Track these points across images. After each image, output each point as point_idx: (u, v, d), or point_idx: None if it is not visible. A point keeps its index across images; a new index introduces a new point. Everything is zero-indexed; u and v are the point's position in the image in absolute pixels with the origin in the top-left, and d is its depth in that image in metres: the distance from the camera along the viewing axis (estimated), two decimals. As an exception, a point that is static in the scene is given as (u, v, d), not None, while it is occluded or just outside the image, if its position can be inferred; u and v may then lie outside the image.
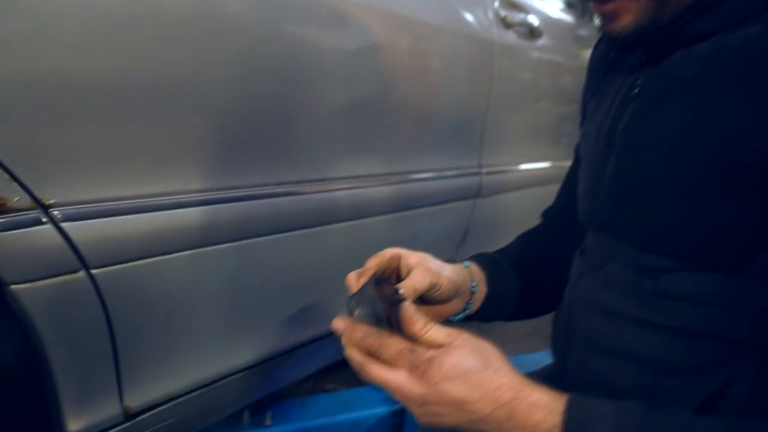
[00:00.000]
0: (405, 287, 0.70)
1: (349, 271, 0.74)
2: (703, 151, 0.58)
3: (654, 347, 0.65)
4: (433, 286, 0.73)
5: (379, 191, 1.38)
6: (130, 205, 0.91)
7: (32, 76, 0.76)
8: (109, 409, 0.98)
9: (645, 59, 0.70)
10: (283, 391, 1.49)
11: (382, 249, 0.75)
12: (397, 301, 0.64)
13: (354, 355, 0.63)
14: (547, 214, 1.01)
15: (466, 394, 0.58)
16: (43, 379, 0.89)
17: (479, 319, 0.87)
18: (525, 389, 0.59)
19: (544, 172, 2.14)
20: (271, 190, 1.12)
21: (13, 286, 0.79)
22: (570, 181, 0.94)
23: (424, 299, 0.75)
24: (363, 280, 0.70)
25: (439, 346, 0.61)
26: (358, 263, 0.75)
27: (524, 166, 2.04)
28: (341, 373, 1.76)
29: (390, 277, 0.75)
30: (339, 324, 0.65)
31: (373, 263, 0.73)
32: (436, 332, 0.61)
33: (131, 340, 0.97)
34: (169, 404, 1.08)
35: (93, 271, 0.88)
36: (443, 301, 0.77)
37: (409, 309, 0.63)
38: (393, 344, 0.60)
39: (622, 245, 0.68)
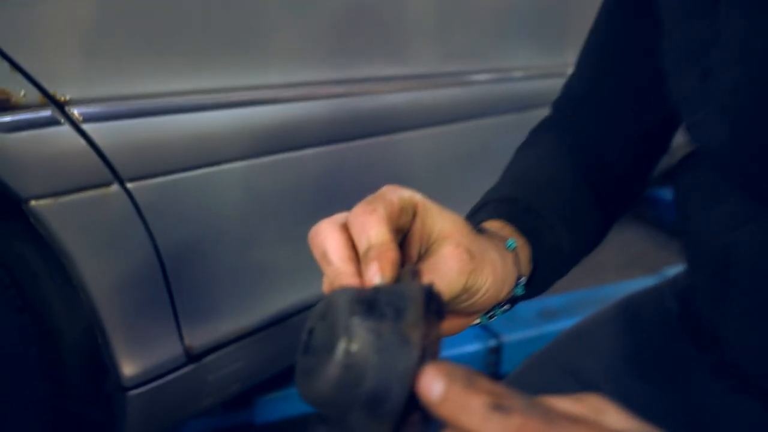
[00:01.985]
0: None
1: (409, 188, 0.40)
2: None
3: None
4: (465, 292, 0.39)
5: (441, 94, 1.19)
6: (166, 104, 0.76)
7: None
8: (169, 350, 0.85)
9: None
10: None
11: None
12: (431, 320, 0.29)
13: None
14: (572, 105, 0.70)
15: None
16: (86, 318, 0.77)
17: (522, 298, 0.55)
18: None
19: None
20: (327, 90, 0.95)
21: (32, 202, 0.66)
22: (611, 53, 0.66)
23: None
24: (373, 269, 0.33)
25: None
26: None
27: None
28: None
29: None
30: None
31: (380, 215, 0.35)
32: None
33: (183, 267, 0.83)
34: (234, 345, 0.94)
35: (128, 185, 0.74)
36: (468, 313, 0.44)
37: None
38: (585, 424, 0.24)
39: None
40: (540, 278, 0.55)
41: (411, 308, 0.28)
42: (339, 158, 0.99)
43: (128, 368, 0.81)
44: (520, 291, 0.49)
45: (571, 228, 0.60)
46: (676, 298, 0.77)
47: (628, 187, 0.69)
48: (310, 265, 0.97)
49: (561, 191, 0.62)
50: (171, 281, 0.82)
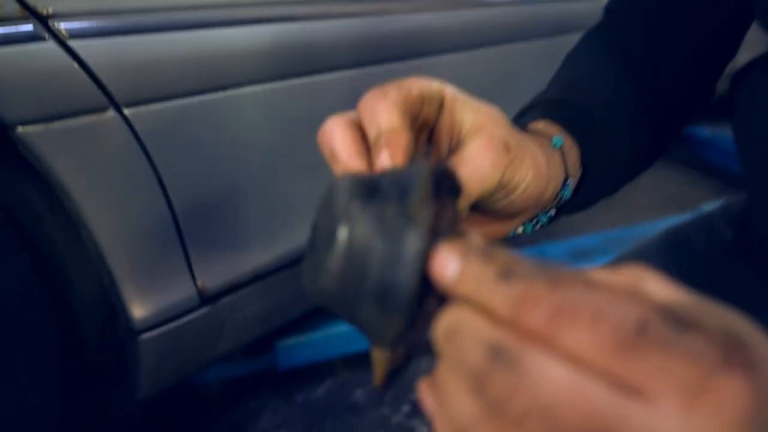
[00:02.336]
0: (464, 179, 0.32)
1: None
2: None
3: None
4: (502, 189, 0.35)
5: (468, 15, 1.10)
6: (166, 20, 0.68)
7: None
8: (181, 291, 0.80)
9: None
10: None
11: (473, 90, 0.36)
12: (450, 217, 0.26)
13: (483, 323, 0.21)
14: (629, 2, 0.62)
15: None
16: (90, 257, 0.72)
17: (564, 214, 0.49)
18: None
19: None
20: (345, 8, 0.87)
21: (20, 128, 0.60)
22: None
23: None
24: (382, 158, 0.30)
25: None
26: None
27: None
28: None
29: (418, 138, 0.35)
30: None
31: (392, 100, 0.31)
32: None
33: (192, 202, 0.77)
34: (252, 286, 0.89)
35: (126, 111, 0.67)
36: (508, 214, 0.38)
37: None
38: (618, 297, 0.19)
39: None
40: (589, 186, 0.49)
41: (417, 186, 0.24)
42: (359, 83, 0.91)
43: (138, 310, 0.76)
44: (567, 194, 0.44)
45: (626, 134, 0.53)
46: (730, 225, 0.72)
47: (690, 97, 0.62)
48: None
49: (616, 93, 0.55)
50: (179, 217, 0.76)
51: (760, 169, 0.55)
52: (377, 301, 0.24)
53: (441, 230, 0.24)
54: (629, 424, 0.17)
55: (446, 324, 0.21)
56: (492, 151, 0.33)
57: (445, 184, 0.27)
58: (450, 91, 0.35)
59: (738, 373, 0.17)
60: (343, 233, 0.25)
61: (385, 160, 0.29)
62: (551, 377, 0.18)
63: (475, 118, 0.35)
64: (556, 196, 0.43)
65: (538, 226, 0.43)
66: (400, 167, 0.28)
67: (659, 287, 0.21)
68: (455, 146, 0.35)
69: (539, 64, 1.27)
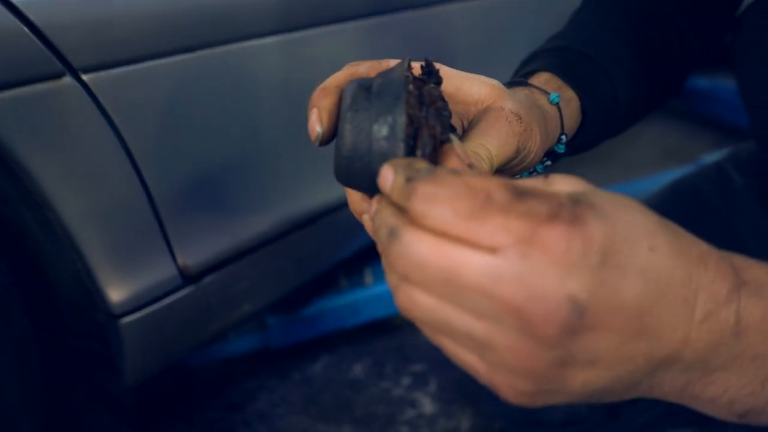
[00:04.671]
0: (479, 148, 0.35)
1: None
2: None
3: None
4: (517, 155, 0.38)
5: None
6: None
7: None
8: (161, 271, 0.75)
9: None
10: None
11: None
12: (440, 135, 0.32)
13: (387, 207, 0.28)
14: None
15: (658, 288, 0.25)
16: (58, 238, 0.67)
17: (568, 154, 0.52)
18: (735, 257, 0.29)
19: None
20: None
21: (-36, 99, 0.54)
22: None
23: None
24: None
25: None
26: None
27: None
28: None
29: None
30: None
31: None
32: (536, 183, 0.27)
33: (166, 176, 0.71)
34: (238, 263, 0.84)
35: (84, 77, 0.61)
36: (515, 171, 0.42)
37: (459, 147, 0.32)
38: (473, 180, 0.25)
39: None
40: (590, 128, 0.51)
41: (398, 76, 0.32)
42: (347, 38, 0.85)
43: (115, 293, 0.71)
44: (560, 149, 0.48)
45: (628, 79, 0.55)
46: (739, 171, 0.73)
47: (696, 42, 0.62)
48: (318, 168, 0.86)
49: (620, 33, 0.57)
50: (153, 192, 0.70)
51: (763, 114, 0.55)
52: (383, 138, 0.31)
53: (425, 104, 0.32)
54: (480, 272, 0.23)
55: (375, 213, 0.28)
56: (506, 121, 0.37)
57: (426, 71, 0.36)
58: (451, 71, 0.38)
59: (559, 226, 0.23)
60: (347, 123, 0.33)
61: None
62: (421, 244, 0.25)
63: (480, 91, 0.38)
64: (551, 150, 0.47)
65: (534, 174, 0.45)
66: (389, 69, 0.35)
67: (565, 182, 0.27)
68: (469, 123, 0.39)
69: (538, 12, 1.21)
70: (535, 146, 0.40)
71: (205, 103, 0.73)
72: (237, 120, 0.77)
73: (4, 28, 0.54)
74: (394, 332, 1.24)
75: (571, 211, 0.23)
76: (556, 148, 0.47)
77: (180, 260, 0.76)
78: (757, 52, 0.55)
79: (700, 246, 0.28)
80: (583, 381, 0.25)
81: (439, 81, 0.35)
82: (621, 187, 1.54)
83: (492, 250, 0.23)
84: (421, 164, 0.28)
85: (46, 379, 0.76)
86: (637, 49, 0.56)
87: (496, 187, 0.24)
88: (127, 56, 0.64)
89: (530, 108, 0.40)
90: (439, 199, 0.24)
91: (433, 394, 1.10)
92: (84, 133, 0.63)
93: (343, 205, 0.96)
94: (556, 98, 0.46)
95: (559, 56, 0.52)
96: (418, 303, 0.26)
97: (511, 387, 0.25)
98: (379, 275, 1.20)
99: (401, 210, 0.26)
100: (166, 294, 0.76)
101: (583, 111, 0.50)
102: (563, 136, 0.47)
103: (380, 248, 0.28)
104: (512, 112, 0.37)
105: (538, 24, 1.18)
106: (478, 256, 0.23)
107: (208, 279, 0.81)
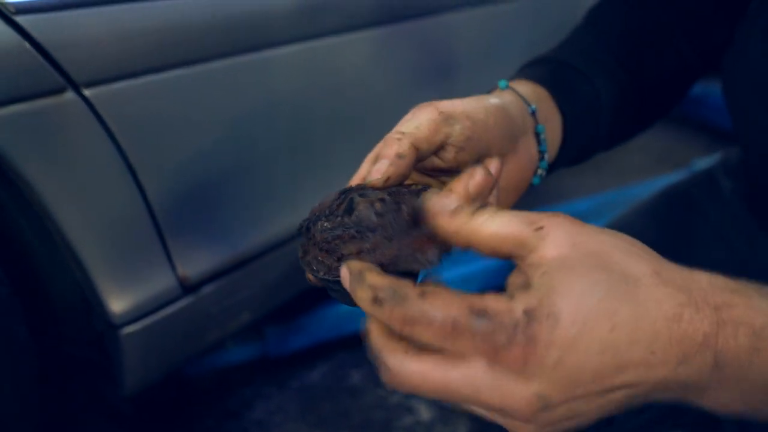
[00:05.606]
0: (395, 135, 0.39)
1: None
2: None
3: None
4: (447, 137, 0.40)
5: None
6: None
7: None
8: (161, 282, 0.76)
9: None
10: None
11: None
12: (411, 192, 0.37)
13: (375, 338, 0.32)
14: None
15: (622, 356, 0.29)
16: (57, 249, 0.67)
17: (560, 167, 0.54)
18: (718, 292, 0.31)
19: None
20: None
21: (-32, 115, 0.55)
22: None
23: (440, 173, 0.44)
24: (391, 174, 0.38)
25: (513, 255, 0.31)
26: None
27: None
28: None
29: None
30: (345, 274, 0.34)
31: (408, 145, 0.38)
32: (498, 223, 0.31)
33: (167, 188, 0.72)
34: (236, 273, 0.85)
35: (86, 92, 0.62)
36: (471, 155, 0.42)
37: (431, 193, 0.34)
38: (441, 306, 0.29)
39: None
40: (574, 132, 0.52)
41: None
42: (350, 50, 0.86)
43: (116, 304, 0.72)
44: (543, 148, 0.49)
45: (616, 83, 0.55)
46: (729, 177, 0.74)
47: (700, 59, 0.63)
48: (313, 180, 0.87)
49: (610, 46, 0.58)
50: (153, 204, 0.71)
51: (750, 118, 0.55)
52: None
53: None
54: (463, 384, 0.29)
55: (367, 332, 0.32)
56: (433, 114, 0.40)
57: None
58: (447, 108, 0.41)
59: (515, 350, 0.28)
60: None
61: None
62: (409, 369, 0.30)
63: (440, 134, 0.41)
64: (539, 141, 0.48)
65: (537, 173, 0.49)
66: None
67: (532, 269, 0.30)
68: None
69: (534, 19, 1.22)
70: (494, 138, 0.42)
71: (203, 116, 0.74)
72: (235, 132, 0.78)
73: (7, 45, 0.55)
74: (391, 339, 1.25)
75: (524, 334, 0.28)
76: (540, 148, 0.48)
77: (179, 270, 0.77)
78: (740, 60, 0.55)
79: (678, 297, 0.29)
80: (575, 425, 0.30)
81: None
82: (614, 194, 1.56)
83: (468, 364, 0.29)
84: (374, 277, 0.31)
85: (45, 387, 0.77)
86: (625, 62, 0.57)
87: (462, 312, 0.28)
88: (128, 71, 0.65)
89: (479, 103, 0.42)
90: (416, 325, 0.29)
91: (429, 401, 1.11)
92: (85, 146, 0.64)
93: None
94: (503, 84, 0.49)
95: (540, 68, 0.54)
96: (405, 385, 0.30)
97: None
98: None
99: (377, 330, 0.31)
100: (166, 304, 0.77)
101: (563, 113, 0.51)
102: (540, 127, 0.48)
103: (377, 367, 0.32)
104: (438, 111, 0.40)
105: (537, 31, 1.20)
106: (457, 371, 0.29)
107: (207, 289, 0.81)
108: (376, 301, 0.29)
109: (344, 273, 0.32)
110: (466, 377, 0.29)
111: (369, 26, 0.90)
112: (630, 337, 0.28)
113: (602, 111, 0.54)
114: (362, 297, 0.30)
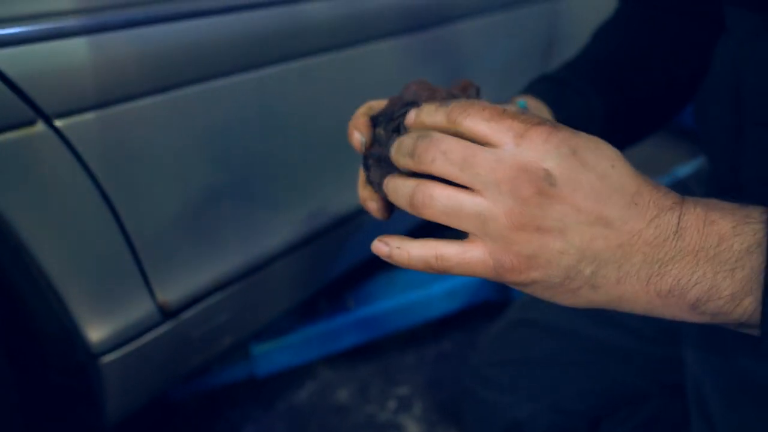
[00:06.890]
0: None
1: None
2: None
3: None
4: None
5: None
6: (92, 21, 0.63)
7: None
8: (139, 308, 0.76)
9: None
10: (362, 271, 1.25)
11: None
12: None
13: (426, 112, 0.41)
14: None
15: (614, 191, 0.35)
16: (35, 280, 0.67)
17: None
18: (683, 199, 0.37)
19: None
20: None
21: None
22: None
23: None
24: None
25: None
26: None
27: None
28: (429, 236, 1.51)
29: None
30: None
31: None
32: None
33: (143, 214, 0.72)
34: (217, 296, 0.85)
35: (57, 123, 0.62)
36: None
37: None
38: (490, 105, 0.39)
39: None
40: None
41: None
42: (331, 69, 0.87)
43: (94, 333, 0.71)
44: None
45: (609, 92, 0.62)
46: (700, 185, 0.77)
47: (691, 82, 0.68)
48: (294, 201, 0.87)
49: (599, 63, 0.65)
50: (129, 230, 0.71)
51: (709, 126, 0.60)
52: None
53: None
54: (489, 156, 0.35)
55: (402, 137, 0.40)
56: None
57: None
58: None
59: (543, 127, 0.35)
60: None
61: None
62: (448, 138, 0.37)
63: None
64: None
65: None
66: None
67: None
68: None
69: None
70: None
71: (179, 141, 0.74)
72: (210, 156, 0.78)
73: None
74: (379, 356, 1.25)
75: (553, 123, 0.35)
76: None
77: (159, 296, 0.77)
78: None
79: (657, 183, 0.37)
80: (559, 250, 0.35)
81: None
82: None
83: (498, 144, 0.35)
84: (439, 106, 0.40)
85: (27, 416, 0.76)
86: (616, 81, 0.64)
87: (508, 107, 0.37)
88: (100, 100, 0.66)
89: None
90: (471, 109, 0.37)
91: (418, 417, 1.11)
92: (58, 176, 0.64)
93: (321, 234, 0.97)
94: (522, 103, 0.58)
95: (542, 82, 0.64)
96: (435, 196, 0.36)
97: (507, 253, 0.35)
98: (361, 300, 1.21)
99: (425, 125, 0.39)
100: (146, 330, 0.77)
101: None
102: None
103: (401, 160, 0.39)
104: None
105: (534, 41, 1.21)
106: (488, 149, 0.35)
107: (187, 314, 0.81)
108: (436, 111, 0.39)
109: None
110: (494, 152, 0.35)
111: (356, 44, 0.90)
112: (622, 180, 0.35)
113: (595, 123, 0.61)
114: (424, 113, 0.39)
